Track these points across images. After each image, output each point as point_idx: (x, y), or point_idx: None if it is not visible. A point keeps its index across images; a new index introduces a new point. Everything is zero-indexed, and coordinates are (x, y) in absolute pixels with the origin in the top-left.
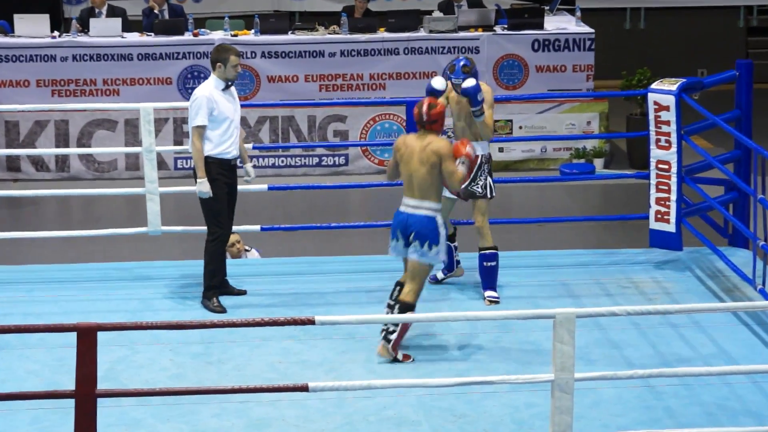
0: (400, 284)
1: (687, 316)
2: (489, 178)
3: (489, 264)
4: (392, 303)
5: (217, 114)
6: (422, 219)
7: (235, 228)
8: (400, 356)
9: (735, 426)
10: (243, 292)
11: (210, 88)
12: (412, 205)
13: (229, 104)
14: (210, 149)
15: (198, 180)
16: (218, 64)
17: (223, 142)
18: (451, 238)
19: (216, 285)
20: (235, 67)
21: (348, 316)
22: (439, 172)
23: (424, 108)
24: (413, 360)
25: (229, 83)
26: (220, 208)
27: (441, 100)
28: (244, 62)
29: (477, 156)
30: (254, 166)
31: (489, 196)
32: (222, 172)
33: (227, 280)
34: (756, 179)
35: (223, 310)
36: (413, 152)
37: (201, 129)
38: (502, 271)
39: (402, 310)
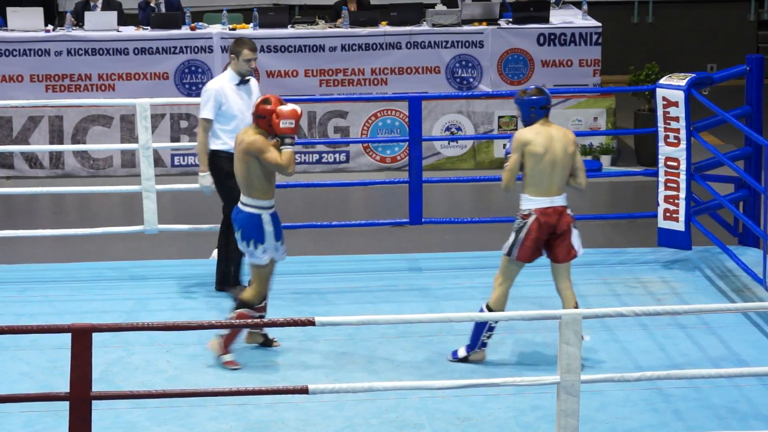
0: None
1: (696, 316)
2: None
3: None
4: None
5: (225, 109)
6: (245, 216)
7: None
8: (227, 358)
9: (745, 430)
10: None
11: (222, 81)
12: (241, 201)
13: (240, 100)
14: (219, 145)
15: (199, 173)
16: (232, 56)
17: (233, 139)
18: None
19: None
20: (249, 61)
21: (349, 317)
22: (258, 168)
23: (258, 100)
24: (241, 368)
25: (246, 77)
26: (236, 197)
27: None
28: None
29: (296, 110)
30: None
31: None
32: None
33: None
34: (767, 176)
35: None
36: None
37: (206, 122)
38: None
39: (239, 307)
